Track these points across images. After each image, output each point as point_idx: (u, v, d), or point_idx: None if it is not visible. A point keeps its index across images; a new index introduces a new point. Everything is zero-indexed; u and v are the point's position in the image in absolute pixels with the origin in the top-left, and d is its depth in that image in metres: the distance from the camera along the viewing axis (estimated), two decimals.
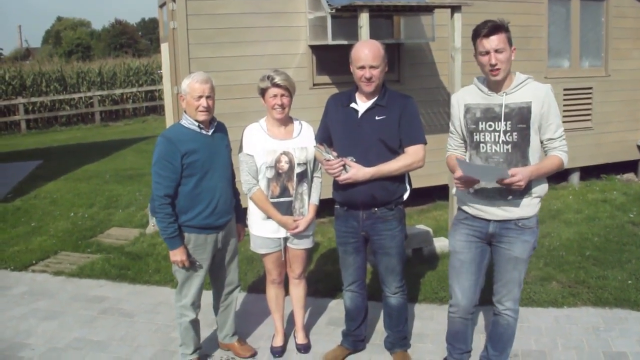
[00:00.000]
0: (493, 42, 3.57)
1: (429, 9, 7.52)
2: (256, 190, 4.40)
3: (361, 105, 4.19)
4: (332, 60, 7.90)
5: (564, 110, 9.38)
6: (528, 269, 6.06)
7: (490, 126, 3.71)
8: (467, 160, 3.84)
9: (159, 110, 25.90)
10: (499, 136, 3.68)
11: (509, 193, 3.68)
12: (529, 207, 3.75)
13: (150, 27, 73.34)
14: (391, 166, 4.10)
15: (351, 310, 4.65)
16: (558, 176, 9.77)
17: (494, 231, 3.82)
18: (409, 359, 4.64)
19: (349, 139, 4.18)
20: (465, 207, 3.94)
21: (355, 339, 4.74)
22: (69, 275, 6.68)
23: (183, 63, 7.35)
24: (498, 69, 3.60)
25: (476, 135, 3.76)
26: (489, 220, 3.82)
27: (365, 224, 4.29)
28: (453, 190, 4.08)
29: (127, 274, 6.60)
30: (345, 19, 7.26)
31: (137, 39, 65.92)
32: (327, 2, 7.04)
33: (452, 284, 4.06)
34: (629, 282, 5.79)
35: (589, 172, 10.04)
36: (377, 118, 4.13)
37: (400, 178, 4.24)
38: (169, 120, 8.97)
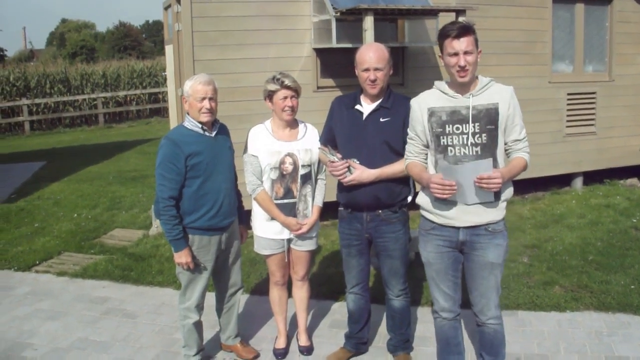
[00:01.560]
0: (462, 43, 3.53)
1: (433, 13, 7.53)
2: (260, 191, 4.41)
3: (366, 107, 4.20)
4: (336, 63, 7.91)
5: (568, 115, 9.39)
6: (531, 273, 6.11)
7: (457, 129, 3.64)
8: (433, 165, 3.75)
9: (162, 112, 25.94)
10: (467, 138, 3.62)
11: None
12: (498, 210, 3.70)
13: (154, 30, 73.57)
14: (395, 168, 4.11)
15: (354, 313, 4.65)
16: (561, 181, 9.78)
17: (465, 238, 3.75)
18: None
19: (353, 140, 4.19)
20: (431, 216, 3.84)
21: (358, 341, 4.74)
22: (72, 275, 6.69)
23: (187, 65, 7.36)
24: (466, 71, 3.56)
25: (443, 138, 3.67)
26: (458, 228, 3.74)
27: (369, 226, 4.30)
28: (417, 199, 3.94)
29: (130, 275, 6.61)
30: (349, 22, 7.27)
31: (141, 41, 66.08)
32: (332, 5, 7.06)
33: (433, 291, 4.01)
34: (632, 287, 5.79)
35: (592, 177, 10.02)
36: (381, 120, 4.14)
37: (404, 180, 4.25)
38: (173, 122, 8.98)
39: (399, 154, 4.15)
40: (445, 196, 3.59)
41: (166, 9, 8.89)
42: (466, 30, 3.56)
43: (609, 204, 8.87)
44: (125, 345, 5.07)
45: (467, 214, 3.67)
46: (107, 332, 5.33)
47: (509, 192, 3.74)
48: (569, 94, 9.40)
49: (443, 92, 3.73)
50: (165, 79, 23.93)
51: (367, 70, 4.07)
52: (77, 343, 5.13)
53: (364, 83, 4.13)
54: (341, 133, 4.29)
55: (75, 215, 9.28)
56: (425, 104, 3.76)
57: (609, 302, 5.49)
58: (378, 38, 6.47)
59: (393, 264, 4.36)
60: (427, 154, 3.84)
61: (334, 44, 7.21)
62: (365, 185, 4.12)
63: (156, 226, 8.07)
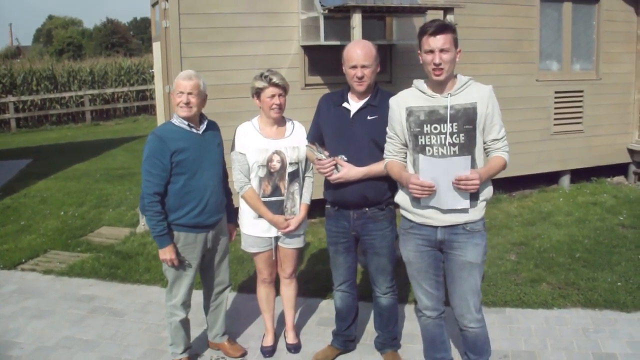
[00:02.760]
0: (439, 41, 3.51)
1: (421, 11, 7.53)
2: (248, 189, 4.40)
3: (353, 105, 4.20)
4: (324, 61, 7.89)
5: (555, 113, 9.43)
6: (519, 270, 6.13)
7: (435, 128, 3.61)
8: (412, 164, 3.73)
9: (150, 109, 25.84)
10: (445, 138, 3.59)
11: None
12: (475, 210, 3.67)
13: (142, 27, 73.21)
14: (382, 166, 4.10)
15: (342, 310, 4.65)
16: (548, 178, 9.82)
17: (443, 237, 3.72)
18: (399, 359, 4.64)
19: (340, 138, 4.19)
20: (409, 215, 3.82)
21: (345, 339, 4.74)
22: (58, 274, 6.65)
23: (175, 62, 7.33)
24: (441, 69, 3.54)
25: (421, 138, 3.64)
26: (436, 227, 3.72)
27: (356, 223, 4.30)
28: (395, 198, 3.94)
29: (117, 273, 6.58)
30: (337, 19, 7.26)
31: (128, 39, 65.75)
32: (320, 2, 7.05)
33: (415, 290, 3.99)
34: (619, 284, 5.82)
35: (580, 175, 10.07)
36: (369, 118, 4.14)
37: (391, 178, 4.23)
38: (160, 120, 8.94)
39: None
40: (423, 196, 3.60)
41: (153, 5, 8.85)
42: (444, 28, 3.54)
43: (596, 201, 8.91)
44: (112, 344, 5.04)
45: (444, 214, 3.65)
46: (94, 330, 5.30)
47: (487, 192, 3.73)
48: (556, 92, 9.44)
49: (421, 92, 3.72)
50: (152, 76, 23.86)
51: (354, 67, 4.06)
52: (64, 341, 5.10)
53: (351, 80, 4.13)
54: (328, 131, 4.28)
55: (62, 213, 9.23)
56: (404, 103, 3.75)
57: (596, 299, 5.51)
58: (366, 36, 6.47)
59: (380, 261, 4.36)
60: (406, 153, 3.82)
61: (322, 41, 7.21)
62: (352, 183, 4.12)
63: (143, 224, 8.03)
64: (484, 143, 3.68)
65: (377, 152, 4.12)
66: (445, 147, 3.59)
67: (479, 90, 3.65)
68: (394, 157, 3.87)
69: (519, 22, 9.05)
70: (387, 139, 3.91)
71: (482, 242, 3.74)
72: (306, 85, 7.92)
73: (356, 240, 4.42)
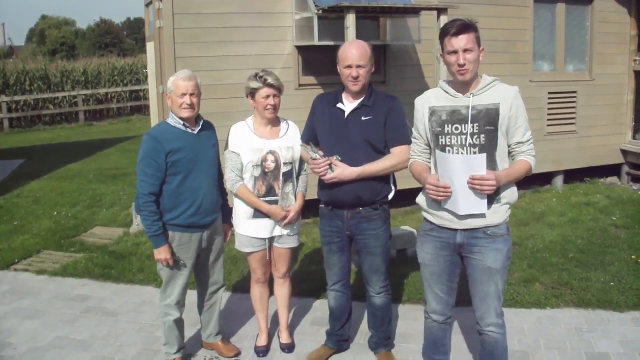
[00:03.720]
0: (462, 41, 3.45)
1: (415, 11, 7.55)
2: (240, 186, 4.40)
3: (348, 105, 4.20)
4: (318, 61, 7.90)
5: (549, 114, 9.46)
6: (512, 270, 6.13)
7: (456, 129, 3.55)
8: (434, 166, 3.68)
9: (143, 110, 25.79)
10: (465, 139, 3.53)
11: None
12: (497, 214, 3.59)
13: (135, 27, 73.10)
14: (377, 166, 4.11)
15: (335, 310, 4.66)
16: (542, 179, 9.84)
17: (463, 241, 3.65)
18: (393, 359, 4.64)
19: (335, 139, 4.19)
20: (430, 217, 3.77)
21: (339, 338, 4.74)
22: (51, 274, 6.63)
23: (169, 62, 7.33)
24: (466, 70, 3.48)
25: (442, 138, 3.59)
26: (455, 230, 3.64)
27: (350, 223, 4.30)
28: (417, 199, 3.90)
29: (111, 274, 6.56)
30: (331, 20, 7.27)
31: (122, 39, 65.64)
32: (314, 3, 7.06)
33: (426, 292, 3.94)
34: (612, 284, 5.84)
35: (573, 176, 10.10)
36: (363, 118, 4.14)
37: (385, 178, 4.26)
38: (154, 120, 8.93)
39: (381, 152, 4.16)
40: (439, 198, 3.55)
41: (147, 5, 8.84)
42: (466, 27, 3.48)
43: (590, 202, 8.94)
44: (105, 344, 5.03)
45: (465, 216, 3.58)
46: (87, 330, 5.28)
47: (511, 196, 3.64)
48: (550, 93, 9.47)
49: (445, 91, 3.66)
50: (146, 77, 23.81)
51: (349, 67, 4.06)
52: (57, 342, 5.09)
53: (346, 80, 4.13)
54: (323, 131, 4.28)
55: (55, 213, 9.20)
56: (428, 103, 3.69)
57: (589, 299, 5.53)
58: (360, 36, 6.47)
59: (374, 261, 4.36)
60: (430, 154, 3.77)
61: (316, 41, 7.22)
62: (346, 183, 4.12)
63: (137, 224, 8.02)
64: (509, 146, 3.60)
65: (371, 152, 4.13)
66: (465, 148, 3.54)
67: (504, 91, 3.59)
68: (418, 157, 3.84)
69: (513, 23, 9.08)
70: (413, 139, 3.88)
71: (504, 247, 3.64)
72: (300, 85, 7.93)
73: (350, 240, 4.42)
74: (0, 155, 15.48)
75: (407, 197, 8.39)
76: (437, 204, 3.65)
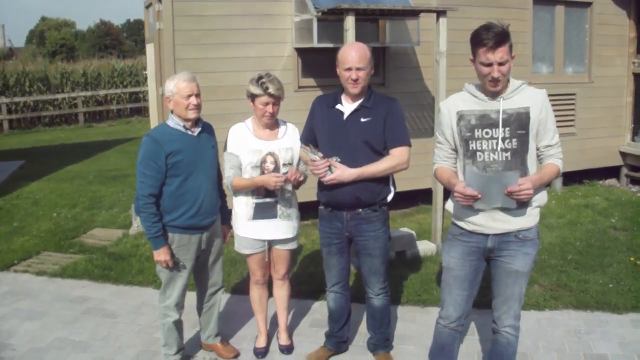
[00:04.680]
0: (498, 55, 3.36)
1: (414, 13, 7.56)
2: (233, 178, 4.38)
3: (347, 107, 4.21)
4: (317, 63, 7.92)
5: None
6: None
7: (487, 133, 3.51)
8: (462, 171, 3.64)
9: (143, 111, 25.80)
10: (497, 143, 3.49)
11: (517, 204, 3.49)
12: (529, 217, 3.58)
13: (135, 29, 73.14)
14: (376, 167, 4.12)
15: (334, 312, 4.66)
16: None
17: (493, 245, 3.63)
18: None
19: (334, 140, 4.20)
20: (460, 223, 3.72)
21: (338, 340, 4.75)
22: (51, 275, 6.64)
23: (169, 64, 7.34)
24: (499, 81, 3.44)
25: (472, 143, 3.55)
26: (487, 235, 3.62)
27: (349, 224, 4.31)
28: (446, 205, 3.86)
29: (110, 275, 6.57)
30: (331, 22, 7.28)
31: (122, 40, 65.65)
32: (313, 5, 7.06)
33: (444, 296, 3.87)
34: (610, 285, 5.85)
35: (572, 178, 10.11)
36: (362, 120, 4.15)
37: (384, 180, 4.26)
38: (154, 121, 8.94)
39: (380, 153, 4.17)
40: (468, 204, 3.52)
41: (147, 7, 8.86)
42: (502, 40, 3.39)
43: (588, 204, 8.96)
44: (104, 345, 5.04)
45: (496, 221, 3.56)
46: (87, 331, 5.29)
47: (541, 198, 3.64)
48: (548, 95, 9.43)
49: (472, 95, 3.62)
50: (146, 78, 23.80)
51: (349, 69, 4.07)
52: (56, 343, 5.09)
53: (345, 82, 4.14)
54: (322, 133, 4.29)
55: (55, 214, 9.20)
56: (455, 107, 3.64)
57: (588, 301, 5.55)
58: (359, 38, 6.47)
59: (373, 262, 4.37)
60: (455, 158, 3.73)
61: (315, 43, 7.22)
62: (345, 184, 4.12)
63: (136, 225, 8.03)
64: (537, 149, 3.58)
65: (370, 153, 4.14)
66: (496, 153, 3.51)
67: (533, 94, 3.57)
68: (444, 162, 3.77)
69: (512, 25, 8.92)
70: (437, 144, 3.83)
71: (532, 251, 3.65)
72: (299, 87, 7.94)
73: (349, 241, 4.43)
74: (0, 156, 15.48)
75: (406, 199, 8.44)
76: (468, 208, 3.60)
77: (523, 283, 3.70)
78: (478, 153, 3.55)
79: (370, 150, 4.15)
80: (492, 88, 3.48)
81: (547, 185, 3.73)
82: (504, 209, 3.53)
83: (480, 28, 3.46)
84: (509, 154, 3.50)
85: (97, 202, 10.00)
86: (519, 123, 3.49)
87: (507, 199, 3.42)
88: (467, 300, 3.82)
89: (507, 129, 3.50)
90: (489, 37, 3.38)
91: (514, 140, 3.49)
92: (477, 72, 3.53)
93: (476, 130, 3.55)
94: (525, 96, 3.55)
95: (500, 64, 3.40)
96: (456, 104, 3.66)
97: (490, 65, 3.41)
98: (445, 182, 3.74)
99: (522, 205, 3.52)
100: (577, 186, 10.08)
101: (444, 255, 3.87)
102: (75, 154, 15.56)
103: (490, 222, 3.57)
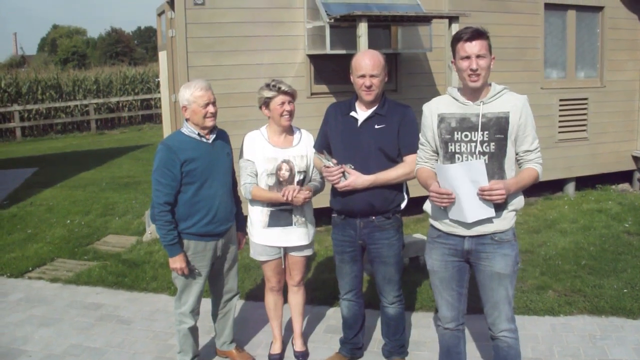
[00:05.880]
0: (475, 47, 3.46)
1: (426, 20, 7.57)
2: (252, 188, 4.42)
3: (361, 114, 4.22)
4: (330, 70, 7.94)
5: (560, 121, 9.46)
6: (525, 278, 6.13)
7: (466, 136, 3.57)
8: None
9: (154, 118, 25.95)
10: (475, 146, 3.55)
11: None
12: (504, 220, 3.60)
13: (146, 36, 73.55)
14: (390, 174, 4.12)
15: (348, 319, 4.66)
16: (553, 186, 9.83)
17: (470, 247, 3.67)
18: None
19: (348, 147, 4.21)
20: (437, 224, 3.79)
21: (353, 346, 4.75)
22: (65, 282, 6.68)
23: (182, 71, 7.37)
24: (478, 75, 3.49)
25: (451, 145, 3.61)
26: (463, 237, 3.66)
27: (362, 232, 4.31)
28: (424, 206, 3.92)
29: (124, 281, 6.60)
30: (343, 28, 7.30)
31: (132, 48, 66.02)
32: (326, 11, 7.09)
33: (436, 298, 3.94)
34: (625, 290, 5.82)
35: (585, 182, 10.08)
36: (376, 127, 4.16)
37: (398, 187, 4.26)
38: (166, 128, 8.98)
39: (394, 160, 4.17)
40: (443, 205, 3.57)
41: (159, 15, 8.90)
42: (479, 34, 3.50)
43: (601, 208, 8.92)
44: (119, 351, 5.06)
45: (472, 223, 3.59)
46: (102, 338, 5.32)
47: (518, 202, 3.66)
48: (561, 100, 9.47)
49: (454, 98, 3.68)
50: (157, 85, 23.92)
51: (363, 76, 4.08)
52: (71, 349, 5.12)
53: (359, 89, 4.15)
54: (336, 139, 4.30)
55: (68, 221, 9.26)
56: (437, 109, 3.71)
57: (602, 306, 5.52)
58: (372, 44, 6.50)
59: (387, 270, 4.36)
60: (436, 160, 3.78)
61: (327, 50, 7.24)
62: (359, 191, 4.13)
63: (150, 232, 8.06)
64: (516, 154, 3.62)
65: (384, 160, 4.15)
66: (474, 156, 3.55)
67: (514, 99, 3.60)
68: (424, 163, 3.84)
69: (524, 30, 9.08)
70: (419, 146, 3.89)
71: (511, 252, 3.66)
72: (312, 94, 7.96)
73: (362, 249, 4.43)
74: (13, 163, 15.60)
75: (418, 205, 8.42)
76: (444, 211, 3.66)
77: (509, 285, 3.70)
78: (457, 155, 3.61)
79: (384, 157, 4.15)
80: (472, 83, 3.53)
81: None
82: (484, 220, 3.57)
83: (459, 29, 3.62)
84: (486, 157, 3.55)
85: (110, 209, 10.06)
86: (498, 127, 3.54)
87: (484, 208, 3.48)
88: (458, 299, 3.87)
89: (486, 132, 3.55)
90: (467, 31, 3.52)
91: (492, 144, 3.55)
92: (458, 71, 3.62)
93: (456, 132, 3.61)
94: (506, 101, 3.60)
95: (478, 56, 3.48)
96: (438, 106, 3.73)
97: (468, 58, 3.50)
98: (423, 182, 3.81)
99: (498, 207, 3.55)
100: (590, 191, 10.04)
101: (427, 259, 3.93)
102: (88, 161, 15.66)
103: (466, 223, 3.61)
